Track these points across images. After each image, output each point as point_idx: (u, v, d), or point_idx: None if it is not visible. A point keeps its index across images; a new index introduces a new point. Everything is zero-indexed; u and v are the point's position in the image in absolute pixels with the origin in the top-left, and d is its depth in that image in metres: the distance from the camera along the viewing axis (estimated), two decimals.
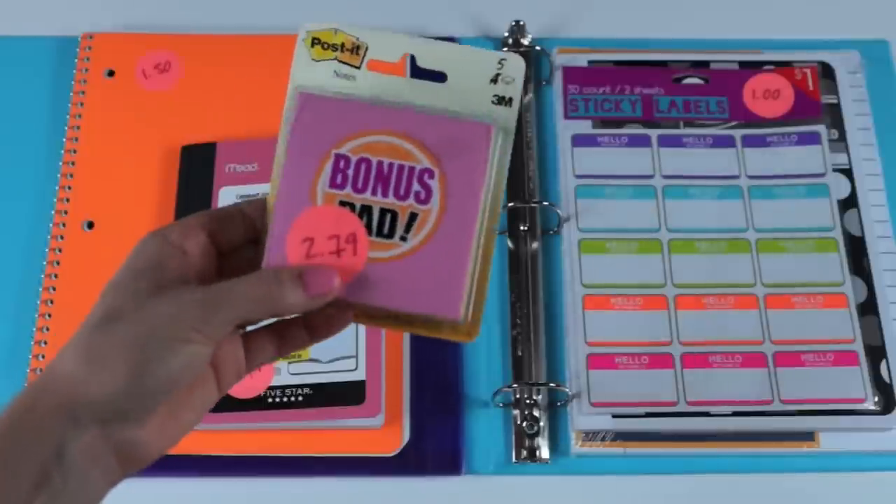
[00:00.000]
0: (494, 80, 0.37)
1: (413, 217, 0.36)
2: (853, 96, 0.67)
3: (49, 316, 0.60)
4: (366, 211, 0.36)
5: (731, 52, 0.68)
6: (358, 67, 0.37)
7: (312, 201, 0.36)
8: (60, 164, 0.65)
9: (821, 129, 0.65)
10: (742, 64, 0.68)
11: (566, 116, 0.66)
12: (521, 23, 0.69)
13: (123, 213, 0.63)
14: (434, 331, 0.37)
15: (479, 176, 0.36)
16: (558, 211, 0.62)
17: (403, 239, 0.36)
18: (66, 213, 0.63)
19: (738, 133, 0.65)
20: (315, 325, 0.38)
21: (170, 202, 0.63)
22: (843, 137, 0.65)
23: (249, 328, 0.38)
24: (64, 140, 0.65)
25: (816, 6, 0.72)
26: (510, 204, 0.63)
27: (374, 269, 0.36)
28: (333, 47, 0.37)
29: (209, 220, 0.36)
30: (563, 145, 0.65)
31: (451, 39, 0.69)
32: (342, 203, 0.36)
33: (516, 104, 0.37)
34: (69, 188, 0.64)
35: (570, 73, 0.67)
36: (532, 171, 0.65)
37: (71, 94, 0.67)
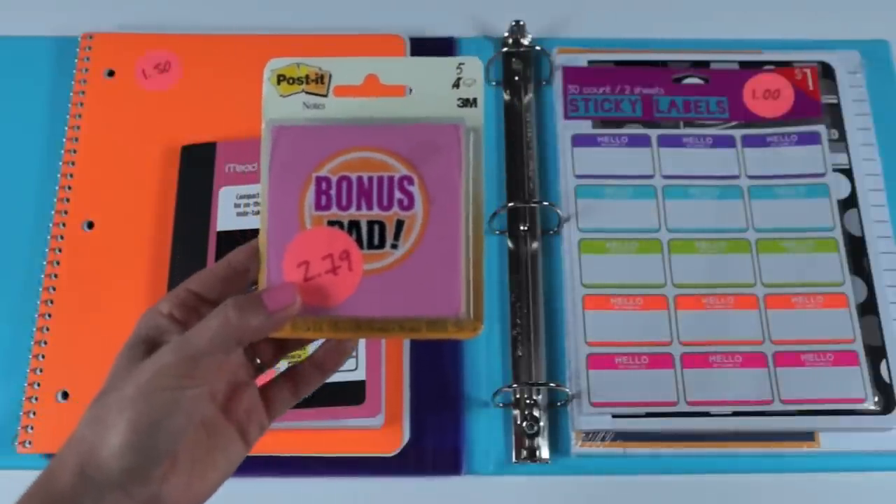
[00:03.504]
0: (456, 85, 0.39)
1: (400, 224, 0.37)
2: (853, 96, 0.67)
3: (49, 316, 0.60)
4: (354, 226, 0.37)
5: (731, 52, 0.68)
6: (325, 95, 0.39)
7: (302, 226, 0.37)
8: (60, 164, 0.65)
9: (821, 129, 0.65)
10: (742, 64, 0.68)
11: (566, 116, 0.66)
12: (521, 23, 0.69)
13: (123, 213, 0.63)
14: (440, 331, 0.37)
15: (455, 174, 0.37)
16: (558, 211, 0.62)
17: (394, 247, 0.37)
18: (66, 213, 0.63)
19: (738, 133, 0.65)
20: (322, 359, 0.40)
21: (170, 202, 0.63)
22: (843, 137, 0.65)
23: (263, 380, 0.40)
24: (64, 140, 0.65)
25: (816, 6, 0.72)
26: (510, 204, 0.63)
27: (372, 280, 0.37)
28: (299, 80, 0.39)
29: (196, 282, 0.38)
30: (563, 145, 0.65)
31: (450, 39, 0.70)
32: (330, 223, 0.37)
33: (481, 103, 0.39)
34: (69, 188, 0.64)
35: (570, 73, 0.67)
36: (532, 171, 0.65)
37: (71, 94, 0.67)
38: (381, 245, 0.37)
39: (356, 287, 0.37)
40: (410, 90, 0.39)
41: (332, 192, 0.37)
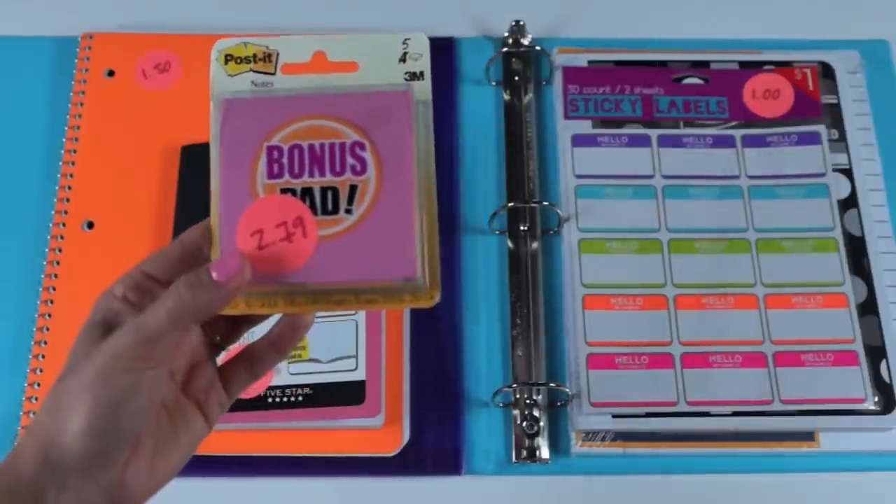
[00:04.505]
0: (403, 60, 0.39)
1: (353, 189, 0.37)
2: (853, 96, 0.67)
3: (49, 316, 0.60)
4: (307, 193, 0.37)
5: (731, 52, 0.68)
6: (273, 73, 0.39)
7: (254, 196, 0.37)
8: (60, 164, 0.65)
9: (821, 129, 0.65)
10: (742, 64, 0.68)
11: (566, 116, 0.66)
12: (521, 23, 0.69)
13: (123, 213, 0.63)
14: (396, 302, 0.37)
15: (407, 138, 0.37)
16: (558, 211, 0.62)
17: (349, 212, 0.37)
18: (66, 213, 0.63)
19: (738, 133, 0.65)
20: (278, 337, 0.39)
21: (170, 202, 0.63)
22: (843, 137, 0.65)
23: (221, 360, 0.40)
24: (64, 140, 0.65)
25: (816, 6, 0.72)
26: (510, 204, 0.63)
27: (327, 246, 0.36)
28: (246, 60, 0.39)
29: (150, 264, 0.37)
30: (563, 145, 0.65)
31: (450, 39, 0.70)
32: (283, 191, 0.37)
33: (427, 76, 0.39)
34: (69, 188, 0.64)
35: (570, 73, 0.67)
36: (532, 171, 0.65)
37: (71, 94, 0.67)
38: (336, 210, 0.36)
39: (311, 253, 0.36)
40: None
41: (284, 160, 0.37)
